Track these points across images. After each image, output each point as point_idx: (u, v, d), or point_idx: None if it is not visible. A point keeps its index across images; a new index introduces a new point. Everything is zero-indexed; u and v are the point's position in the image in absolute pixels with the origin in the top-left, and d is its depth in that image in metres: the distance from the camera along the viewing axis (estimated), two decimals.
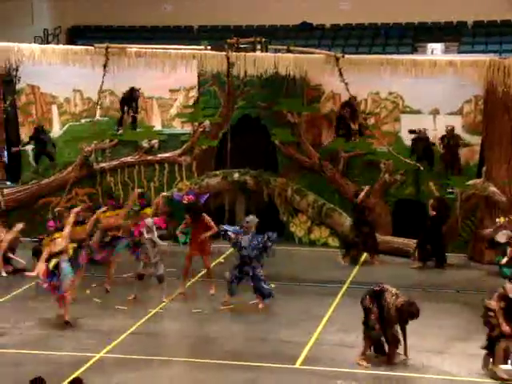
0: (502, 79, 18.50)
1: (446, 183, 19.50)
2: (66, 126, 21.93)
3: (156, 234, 15.59)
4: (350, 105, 20.32)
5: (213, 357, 12.73)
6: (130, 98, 21.26)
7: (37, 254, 16.05)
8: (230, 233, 15.30)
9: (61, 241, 14.13)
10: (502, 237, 15.59)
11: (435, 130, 20.07)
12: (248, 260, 15.08)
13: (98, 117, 20.84)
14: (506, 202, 18.55)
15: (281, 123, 20.78)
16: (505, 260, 16.04)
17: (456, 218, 19.06)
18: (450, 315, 14.91)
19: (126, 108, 21.31)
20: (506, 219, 16.40)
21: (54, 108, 21.95)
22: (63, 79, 21.11)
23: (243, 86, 20.87)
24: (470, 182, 19.18)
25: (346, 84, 19.07)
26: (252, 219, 15.43)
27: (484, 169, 19.31)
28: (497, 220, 16.73)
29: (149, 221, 15.59)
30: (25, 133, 21.88)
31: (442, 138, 19.89)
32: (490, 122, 19.27)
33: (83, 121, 21.81)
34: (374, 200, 19.53)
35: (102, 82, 19.35)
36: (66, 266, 14.04)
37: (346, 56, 19.48)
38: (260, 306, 15.23)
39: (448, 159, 19.83)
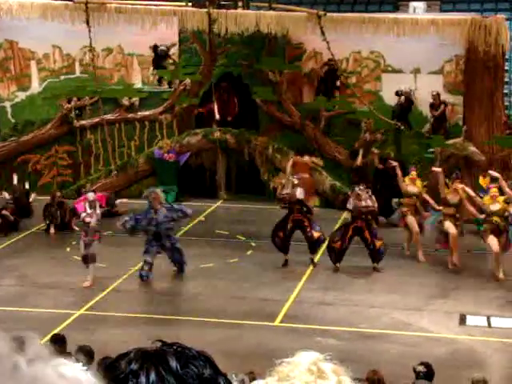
0: (483, 38, 18.51)
1: (426, 143, 19.55)
2: (45, 83, 21.66)
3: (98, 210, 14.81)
4: (329, 64, 20.24)
5: (194, 314, 12.81)
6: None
7: None
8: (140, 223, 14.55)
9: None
10: (300, 194, 15.79)
11: (416, 90, 20.01)
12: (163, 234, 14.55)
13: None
14: (485, 161, 18.64)
15: (262, 81, 20.66)
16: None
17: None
18: (431, 274, 15.05)
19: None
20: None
21: (33, 64, 21.62)
22: (42, 34, 20.73)
23: (224, 43, 20.67)
24: (450, 142, 19.21)
25: (328, 42, 19.00)
26: (149, 191, 15.15)
27: (464, 128, 19.34)
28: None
29: (90, 195, 14.90)
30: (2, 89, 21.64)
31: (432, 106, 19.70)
32: (471, 81, 19.28)
33: (62, 77, 21.57)
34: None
35: (90, 38, 19.28)
36: None
37: (328, 14, 19.39)
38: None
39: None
